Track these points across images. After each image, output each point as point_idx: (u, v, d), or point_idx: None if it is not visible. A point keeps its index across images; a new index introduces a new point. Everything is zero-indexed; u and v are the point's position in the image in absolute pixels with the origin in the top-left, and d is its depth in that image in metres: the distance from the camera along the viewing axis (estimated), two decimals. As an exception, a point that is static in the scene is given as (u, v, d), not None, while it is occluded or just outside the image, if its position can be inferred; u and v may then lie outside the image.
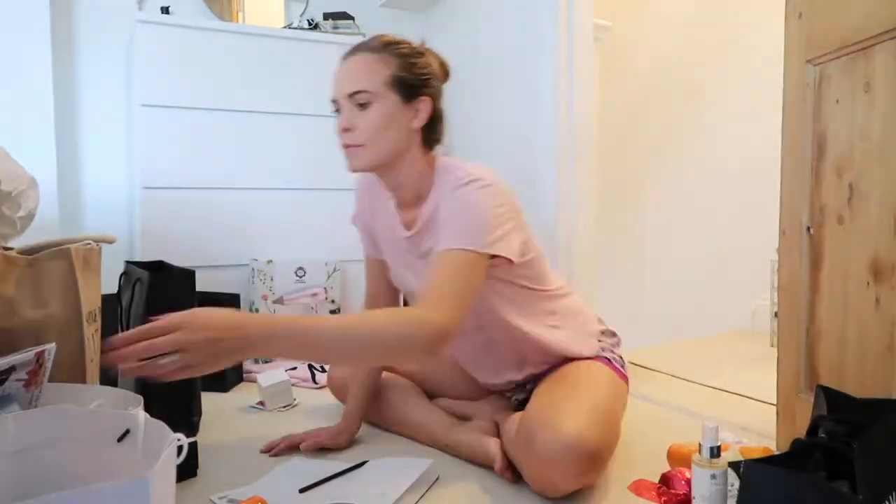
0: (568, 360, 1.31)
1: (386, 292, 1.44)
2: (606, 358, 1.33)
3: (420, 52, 1.22)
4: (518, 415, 1.24)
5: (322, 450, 1.33)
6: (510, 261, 1.17)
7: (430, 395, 1.48)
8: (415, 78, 1.18)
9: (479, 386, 1.47)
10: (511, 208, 1.19)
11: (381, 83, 1.16)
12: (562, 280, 1.39)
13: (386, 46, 1.19)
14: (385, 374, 1.47)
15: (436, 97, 1.23)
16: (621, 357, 1.37)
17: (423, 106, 1.20)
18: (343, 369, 1.52)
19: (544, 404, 1.15)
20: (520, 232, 1.20)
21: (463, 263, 1.10)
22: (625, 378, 1.34)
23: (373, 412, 1.45)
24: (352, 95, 1.17)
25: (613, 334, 1.42)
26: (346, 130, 1.18)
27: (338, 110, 1.21)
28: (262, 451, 1.32)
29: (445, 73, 1.28)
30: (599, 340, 1.37)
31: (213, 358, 0.87)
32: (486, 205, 1.14)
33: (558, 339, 1.30)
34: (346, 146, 1.20)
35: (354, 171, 1.24)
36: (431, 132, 1.24)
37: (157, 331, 0.84)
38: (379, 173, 1.25)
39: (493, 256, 1.14)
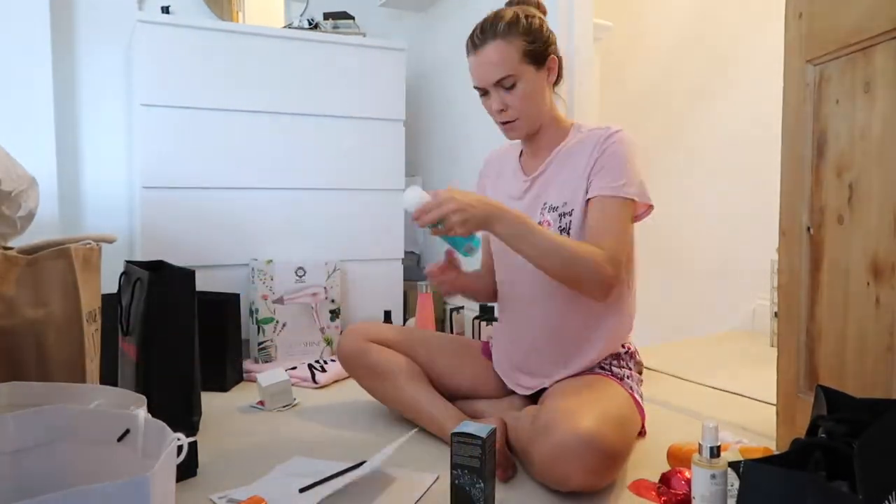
0: (589, 371, 1.34)
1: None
2: (631, 386, 1.33)
3: (533, 16, 1.32)
4: (532, 407, 1.26)
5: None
6: (649, 207, 1.29)
7: (441, 390, 1.46)
8: (540, 45, 1.30)
9: (492, 386, 1.49)
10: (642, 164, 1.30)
11: (517, 63, 1.28)
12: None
13: (510, 28, 1.29)
14: (400, 360, 1.46)
15: (557, 49, 1.35)
16: (641, 395, 1.37)
17: (553, 64, 1.33)
18: (354, 341, 1.49)
19: (565, 400, 1.16)
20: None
21: (624, 212, 1.25)
22: (642, 412, 1.33)
23: (387, 397, 1.47)
24: (498, 82, 1.29)
25: (641, 370, 1.43)
26: (501, 111, 1.32)
27: (484, 93, 1.33)
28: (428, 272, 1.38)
29: (545, 12, 1.39)
30: (630, 368, 1.38)
31: (474, 218, 1.15)
32: (636, 157, 1.28)
33: (617, 337, 1.36)
34: (503, 123, 1.34)
35: (513, 139, 1.39)
36: (557, 80, 1.38)
37: (436, 201, 1.16)
38: (533, 132, 1.37)
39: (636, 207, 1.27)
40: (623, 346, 1.39)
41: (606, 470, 1.08)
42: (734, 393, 1.78)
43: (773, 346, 2.29)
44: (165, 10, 2.13)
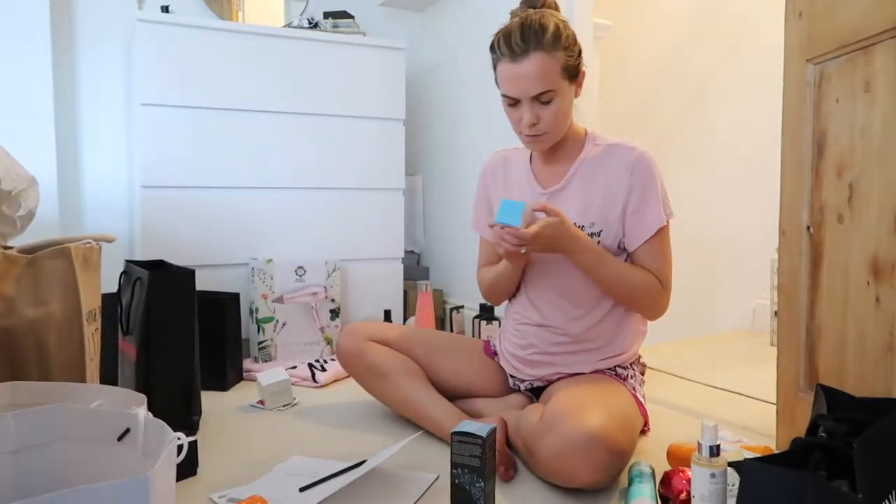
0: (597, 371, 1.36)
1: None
2: (634, 388, 1.34)
3: (568, 26, 1.27)
4: (535, 405, 1.26)
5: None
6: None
7: (440, 389, 1.46)
8: (576, 60, 1.27)
9: (492, 385, 1.49)
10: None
11: (558, 79, 1.24)
12: None
13: (555, 42, 1.23)
14: (399, 359, 1.46)
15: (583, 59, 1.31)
16: (644, 397, 1.39)
17: (582, 77, 1.30)
18: (353, 340, 1.48)
19: (572, 397, 1.16)
20: None
21: (665, 238, 1.31)
22: (644, 414, 1.35)
23: (386, 396, 1.47)
24: (537, 96, 1.24)
25: (644, 368, 1.45)
26: (533, 125, 1.26)
27: (514, 103, 1.27)
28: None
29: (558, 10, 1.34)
30: (634, 369, 1.40)
31: (552, 248, 1.23)
32: (658, 174, 1.29)
33: (635, 339, 1.40)
34: (530, 135, 1.29)
35: (538, 152, 1.37)
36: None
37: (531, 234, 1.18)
38: None
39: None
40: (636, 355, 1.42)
41: (612, 467, 1.08)
42: (734, 392, 1.78)
43: (773, 345, 2.30)
44: (165, 9, 2.13)
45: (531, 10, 1.28)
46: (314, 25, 2.32)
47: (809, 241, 1.19)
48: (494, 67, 1.29)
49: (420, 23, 2.76)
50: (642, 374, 1.43)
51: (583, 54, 1.30)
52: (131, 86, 2.21)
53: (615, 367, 1.36)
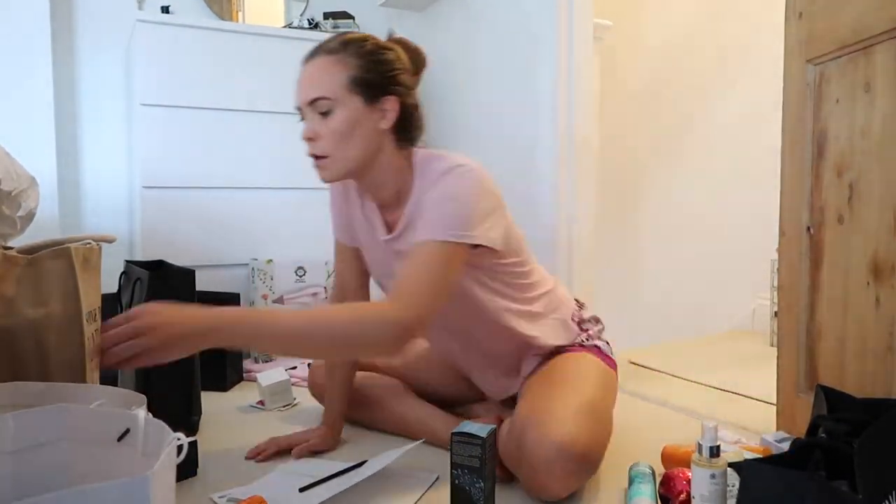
0: (554, 352, 1.29)
1: (357, 285, 1.39)
2: (595, 346, 1.31)
3: (384, 48, 1.14)
4: (509, 418, 1.22)
5: (313, 452, 1.32)
6: (493, 250, 1.12)
7: (431, 399, 1.44)
8: (377, 77, 1.11)
9: (474, 386, 1.46)
10: (496, 196, 1.14)
11: (340, 87, 1.09)
12: (544, 271, 1.34)
13: (345, 46, 1.11)
14: (374, 376, 1.45)
15: (405, 94, 1.15)
16: (608, 343, 1.34)
17: (390, 105, 1.13)
18: (321, 377, 1.46)
19: (532, 405, 1.11)
20: (502, 220, 1.15)
21: (439, 255, 1.05)
22: (613, 365, 1.31)
23: (369, 416, 1.43)
24: (312, 103, 1.11)
25: (598, 320, 1.39)
26: (309, 140, 1.12)
27: (302, 117, 1.15)
28: (248, 458, 1.28)
29: (419, 64, 1.21)
30: (585, 329, 1.34)
31: (167, 344, 0.91)
32: (469, 192, 1.08)
33: (541, 332, 1.27)
34: (314, 157, 1.13)
35: (326, 181, 1.17)
36: (404, 131, 1.17)
37: (118, 321, 0.94)
38: (354, 178, 1.19)
39: (476, 246, 1.09)
40: (572, 321, 1.33)
41: (584, 472, 1.06)
42: (734, 392, 1.78)
43: (772, 345, 2.29)
44: (165, 9, 2.13)
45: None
46: (314, 26, 2.32)
47: (809, 241, 1.19)
48: None
49: (420, 23, 2.76)
50: (598, 321, 1.37)
51: (402, 85, 1.14)
52: (131, 86, 2.21)
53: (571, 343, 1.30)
